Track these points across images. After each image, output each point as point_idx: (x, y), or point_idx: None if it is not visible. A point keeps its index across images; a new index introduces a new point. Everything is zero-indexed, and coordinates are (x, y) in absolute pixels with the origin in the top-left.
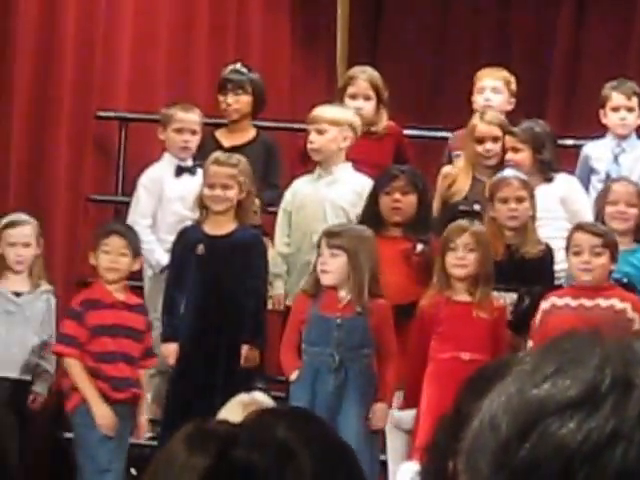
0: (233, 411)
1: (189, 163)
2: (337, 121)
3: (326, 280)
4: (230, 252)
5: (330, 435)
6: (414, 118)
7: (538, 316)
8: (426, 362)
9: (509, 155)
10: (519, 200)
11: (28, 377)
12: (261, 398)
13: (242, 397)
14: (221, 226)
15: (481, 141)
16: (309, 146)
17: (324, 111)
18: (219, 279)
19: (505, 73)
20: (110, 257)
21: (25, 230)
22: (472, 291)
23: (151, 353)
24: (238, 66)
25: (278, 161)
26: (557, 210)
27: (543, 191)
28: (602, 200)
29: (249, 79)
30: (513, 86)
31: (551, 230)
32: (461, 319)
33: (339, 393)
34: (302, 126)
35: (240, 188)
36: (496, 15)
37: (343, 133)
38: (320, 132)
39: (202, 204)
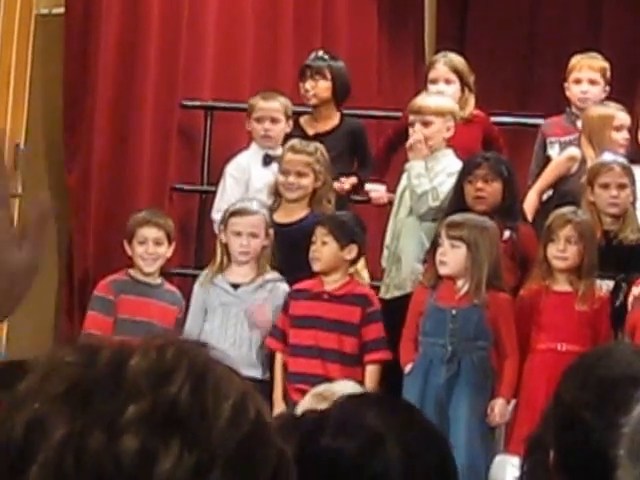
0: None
1: (278, 152)
2: (442, 111)
3: (444, 270)
4: (299, 239)
5: (420, 422)
6: (504, 104)
7: (630, 300)
8: (526, 352)
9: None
10: (621, 187)
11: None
12: (338, 388)
13: (317, 389)
14: (292, 214)
15: (619, 129)
16: (416, 137)
17: (428, 101)
18: (289, 267)
19: (602, 62)
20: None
21: (253, 220)
22: (574, 281)
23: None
24: (320, 53)
25: (366, 142)
26: None
27: None
28: None
29: (328, 65)
30: (608, 74)
31: None
32: (561, 309)
33: (451, 385)
34: (390, 114)
35: (316, 176)
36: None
37: (447, 123)
38: (426, 124)
39: (276, 191)
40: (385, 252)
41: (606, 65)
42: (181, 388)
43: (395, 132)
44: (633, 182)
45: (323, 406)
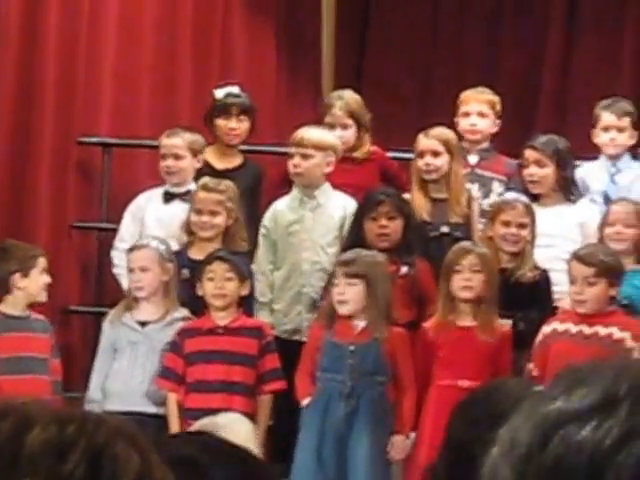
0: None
1: (182, 189)
2: (322, 145)
3: (344, 310)
4: None
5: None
6: (404, 139)
7: (539, 338)
8: (427, 387)
9: (533, 169)
10: (521, 226)
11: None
12: (221, 420)
13: (201, 421)
14: (206, 251)
15: (422, 155)
16: (293, 170)
17: (310, 134)
18: (204, 304)
19: (490, 96)
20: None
21: (142, 254)
22: (477, 314)
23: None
24: (237, 90)
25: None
26: (574, 233)
27: (563, 211)
28: (603, 222)
29: (250, 104)
30: (498, 107)
31: (561, 252)
32: (463, 345)
33: (350, 420)
34: (286, 150)
35: (228, 215)
36: (484, 33)
37: (327, 158)
38: (305, 157)
39: (189, 230)
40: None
41: (495, 99)
42: (76, 466)
43: (286, 174)
44: (533, 221)
45: None
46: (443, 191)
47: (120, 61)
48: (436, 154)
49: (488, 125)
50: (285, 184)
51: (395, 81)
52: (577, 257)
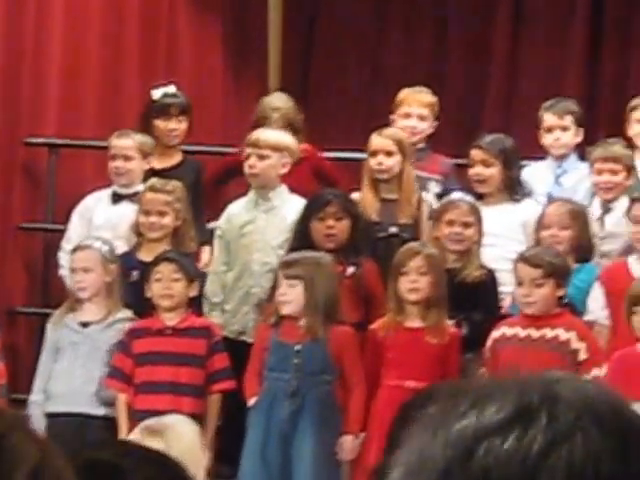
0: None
1: (131, 190)
2: (279, 146)
3: (285, 310)
4: None
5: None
6: (348, 139)
7: (489, 344)
8: (376, 388)
9: (479, 169)
10: (465, 225)
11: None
12: (167, 421)
13: (146, 422)
14: (155, 252)
15: (374, 154)
16: (249, 171)
17: (266, 135)
18: (153, 305)
19: (430, 97)
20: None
21: (84, 255)
22: (425, 315)
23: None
24: (174, 89)
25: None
26: (518, 233)
27: (508, 210)
28: (538, 224)
29: (188, 104)
30: (436, 108)
31: (506, 252)
32: (411, 346)
33: (294, 419)
34: (230, 150)
35: (176, 215)
36: (431, 33)
37: (282, 159)
38: (261, 158)
39: (138, 231)
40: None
41: (434, 100)
42: None
43: (224, 168)
44: (479, 221)
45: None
46: (394, 191)
47: (65, 63)
48: (389, 154)
49: (427, 127)
50: (225, 178)
51: (341, 80)
52: (524, 259)
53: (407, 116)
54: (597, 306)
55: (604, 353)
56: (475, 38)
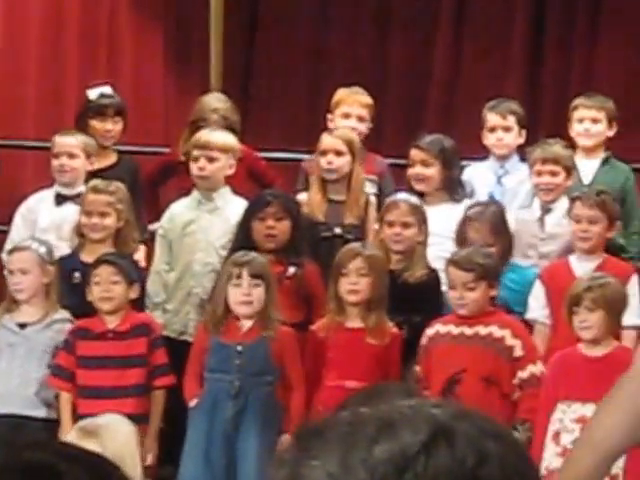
0: (72, 435)
1: (74, 191)
2: (227, 148)
3: (247, 310)
4: None
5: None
6: (289, 139)
7: (423, 341)
8: (317, 388)
9: (418, 169)
10: (405, 225)
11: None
12: (102, 421)
13: (82, 422)
14: (98, 254)
15: (324, 154)
16: (199, 173)
17: (215, 137)
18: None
19: (368, 98)
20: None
21: (21, 256)
22: (365, 316)
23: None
24: (110, 90)
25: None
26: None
27: (447, 211)
28: (464, 226)
29: (124, 105)
30: (372, 110)
31: (445, 251)
32: (351, 346)
33: (238, 420)
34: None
35: (118, 216)
36: (373, 33)
37: (229, 161)
38: (211, 160)
39: (80, 232)
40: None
41: (372, 102)
42: None
43: (160, 168)
44: (423, 221)
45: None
46: (342, 192)
47: (5, 62)
48: (339, 154)
49: (365, 128)
50: (162, 179)
51: (283, 80)
52: (454, 262)
53: (346, 116)
54: (538, 305)
55: (539, 350)
56: (417, 38)
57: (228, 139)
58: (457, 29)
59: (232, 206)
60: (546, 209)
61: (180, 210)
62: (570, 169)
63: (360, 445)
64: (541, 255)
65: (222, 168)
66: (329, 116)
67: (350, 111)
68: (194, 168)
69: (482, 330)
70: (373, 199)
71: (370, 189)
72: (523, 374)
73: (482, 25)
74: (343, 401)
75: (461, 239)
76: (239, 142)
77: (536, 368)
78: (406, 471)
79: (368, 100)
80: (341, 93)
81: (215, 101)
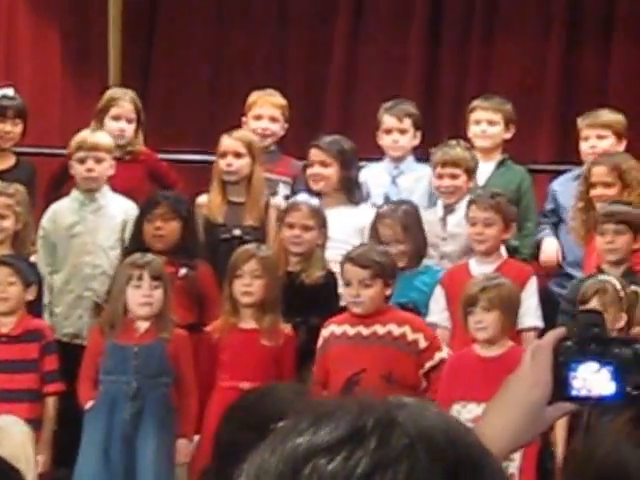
0: None
1: None
2: (111, 148)
3: (147, 312)
4: None
5: None
6: (191, 142)
7: (319, 343)
8: (211, 389)
9: (317, 169)
10: (306, 228)
11: None
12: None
13: None
14: None
15: (224, 156)
16: (88, 174)
17: (100, 138)
18: None
19: (281, 100)
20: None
21: None
22: (259, 318)
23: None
24: (11, 92)
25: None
26: (354, 237)
27: (344, 213)
28: (374, 236)
29: (25, 106)
30: (286, 111)
31: (340, 255)
32: (246, 347)
33: (136, 421)
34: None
35: (17, 218)
36: (271, 34)
37: (111, 161)
38: (98, 161)
39: None
40: None
41: (285, 103)
42: None
43: (62, 168)
44: (323, 224)
45: None
46: (242, 194)
47: None
48: (238, 155)
49: (278, 129)
50: (66, 178)
51: (182, 82)
52: (350, 259)
53: (258, 118)
54: (438, 308)
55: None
56: (314, 38)
57: (110, 139)
58: (354, 29)
59: (115, 204)
60: (449, 209)
61: (62, 211)
62: (472, 171)
63: (289, 437)
64: (443, 255)
65: (108, 168)
66: (243, 118)
67: (262, 112)
68: (81, 169)
69: (380, 329)
70: (278, 200)
71: (284, 191)
72: (433, 362)
73: (379, 25)
74: (232, 402)
75: (373, 237)
76: (143, 143)
77: (443, 353)
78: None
79: (280, 101)
80: (254, 95)
81: (122, 93)
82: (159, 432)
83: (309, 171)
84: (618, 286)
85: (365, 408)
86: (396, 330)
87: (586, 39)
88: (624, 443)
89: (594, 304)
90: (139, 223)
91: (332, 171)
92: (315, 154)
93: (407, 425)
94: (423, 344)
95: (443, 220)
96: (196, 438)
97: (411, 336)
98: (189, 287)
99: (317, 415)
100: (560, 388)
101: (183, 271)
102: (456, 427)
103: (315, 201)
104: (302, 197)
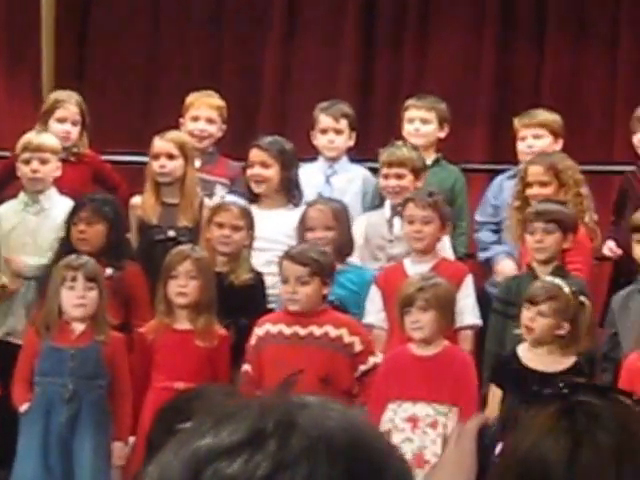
0: None
1: None
2: (56, 150)
3: (81, 313)
4: None
5: None
6: (126, 143)
7: (253, 341)
8: (146, 390)
9: (257, 170)
10: (235, 228)
11: None
12: None
13: None
14: None
15: (157, 157)
16: (33, 175)
17: (45, 139)
18: None
19: (218, 101)
20: None
21: None
22: (194, 319)
23: None
24: None
25: None
26: (292, 238)
27: (283, 215)
28: (302, 226)
29: None
30: (225, 112)
31: (277, 256)
32: (180, 348)
33: (72, 424)
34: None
35: None
36: (206, 34)
37: (57, 162)
38: (43, 162)
39: None
40: None
41: (222, 104)
42: None
43: (5, 169)
44: (251, 225)
45: None
46: (175, 195)
47: None
48: (171, 157)
49: (216, 130)
50: (8, 178)
51: (117, 81)
52: (289, 256)
53: (195, 119)
54: (374, 309)
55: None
56: (249, 38)
57: (56, 141)
58: (288, 29)
59: (59, 207)
60: (395, 211)
61: (6, 213)
62: (419, 171)
63: (191, 439)
64: (390, 257)
65: (54, 170)
66: (181, 120)
67: (198, 114)
68: (26, 170)
69: (317, 330)
70: (215, 201)
71: (221, 192)
72: (366, 366)
73: (313, 26)
74: (164, 404)
75: (301, 223)
76: (88, 145)
77: (377, 358)
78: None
79: (218, 102)
80: (191, 96)
81: (66, 95)
82: (95, 435)
83: (250, 172)
84: (570, 296)
85: (266, 409)
86: (333, 332)
87: (519, 39)
88: (546, 438)
89: (543, 308)
90: (67, 225)
91: (273, 172)
92: (256, 154)
93: (307, 426)
94: (358, 347)
95: (390, 222)
96: (132, 440)
97: (348, 339)
98: (115, 288)
99: (219, 417)
100: (484, 472)
101: (108, 272)
102: (359, 428)
103: (243, 202)
104: (230, 198)
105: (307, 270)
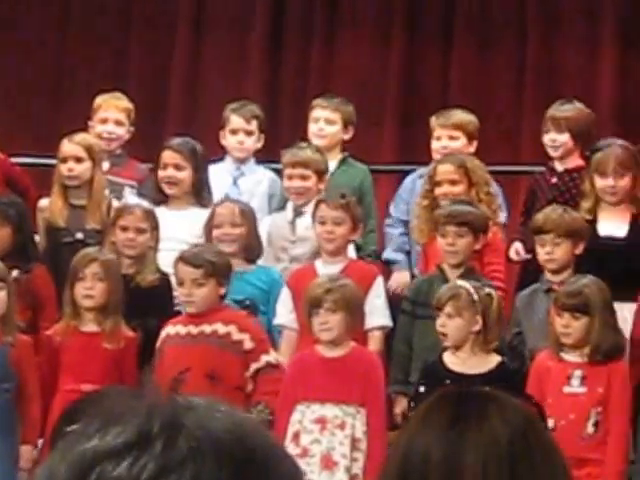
0: None
1: None
2: None
3: None
4: None
5: None
6: (33, 145)
7: (158, 344)
8: (54, 393)
9: (171, 172)
10: (139, 231)
11: None
12: None
13: None
14: None
15: (64, 160)
16: None
17: None
18: None
19: (127, 103)
20: None
21: None
22: (101, 321)
23: None
24: None
25: None
26: (201, 239)
27: (192, 216)
28: (209, 224)
29: None
30: (132, 114)
31: None
32: (87, 350)
33: None
34: None
35: None
36: (114, 37)
37: None
38: None
39: None
40: None
41: (131, 106)
42: None
43: None
44: (155, 227)
45: None
46: (84, 197)
47: None
48: (79, 160)
49: (124, 132)
50: None
51: (24, 83)
52: (183, 259)
53: (104, 121)
54: (285, 310)
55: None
56: (157, 40)
57: None
58: (196, 30)
59: None
60: (298, 212)
61: None
62: (322, 173)
63: (77, 442)
64: (292, 258)
65: None
66: (90, 122)
67: (107, 116)
68: None
69: (207, 328)
70: (116, 204)
71: (130, 195)
72: (258, 364)
73: (220, 27)
74: (66, 406)
75: (208, 222)
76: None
77: (270, 357)
78: (91, 473)
79: (126, 104)
80: (99, 99)
81: None
82: (3, 438)
83: (162, 174)
84: (471, 290)
85: (153, 411)
86: (221, 329)
87: (427, 40)
88: (427, 429)
89: (448, 310)
90: None
91: (186, 174)
92: (170, 156)
93: (193, 428)
94: (249, 345)
95: (292, 223)
96: (40, 442)
97: (236, 336)
98: (22, 290)
99: (106, 419)
100: None
101: (14, 274)
102: (246, 428)
103: (147, 204)
104: (133, 200)
105: (201, 272)
